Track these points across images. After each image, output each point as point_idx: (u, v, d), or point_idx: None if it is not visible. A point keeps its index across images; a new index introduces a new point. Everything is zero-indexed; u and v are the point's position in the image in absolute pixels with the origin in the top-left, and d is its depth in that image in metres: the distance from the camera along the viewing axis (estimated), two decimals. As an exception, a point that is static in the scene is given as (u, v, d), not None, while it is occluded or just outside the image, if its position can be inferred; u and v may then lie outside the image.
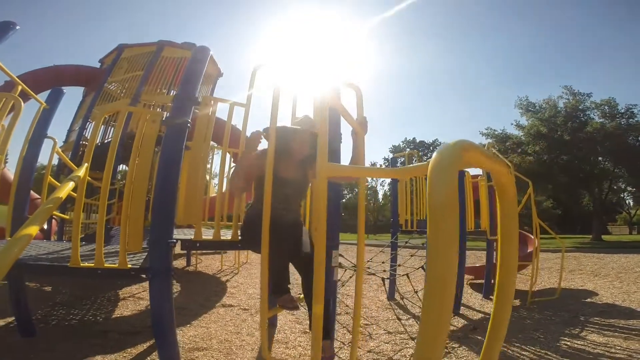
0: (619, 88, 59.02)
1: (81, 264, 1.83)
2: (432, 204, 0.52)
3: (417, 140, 42.57)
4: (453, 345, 2.92)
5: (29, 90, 2.20)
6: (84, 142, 5.82)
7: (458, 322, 3.69)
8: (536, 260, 4.90)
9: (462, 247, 4.43)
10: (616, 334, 3.15)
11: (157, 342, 1.89)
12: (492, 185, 3.16)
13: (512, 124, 19.90)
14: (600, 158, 17.13)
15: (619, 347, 2.79)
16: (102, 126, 6.17)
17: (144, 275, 1.93)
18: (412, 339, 3.07)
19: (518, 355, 2.69)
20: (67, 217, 4.43)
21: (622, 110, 16.80)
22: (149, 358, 2.49)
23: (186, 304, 4.13)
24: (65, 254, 2.28)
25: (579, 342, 2.93)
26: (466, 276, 6.22)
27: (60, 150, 2.78)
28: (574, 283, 5.95)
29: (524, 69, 76.40)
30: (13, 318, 2.86)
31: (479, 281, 5.73)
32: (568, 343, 2.93)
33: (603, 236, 19.04)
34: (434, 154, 0.58)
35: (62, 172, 5.45)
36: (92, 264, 1.86)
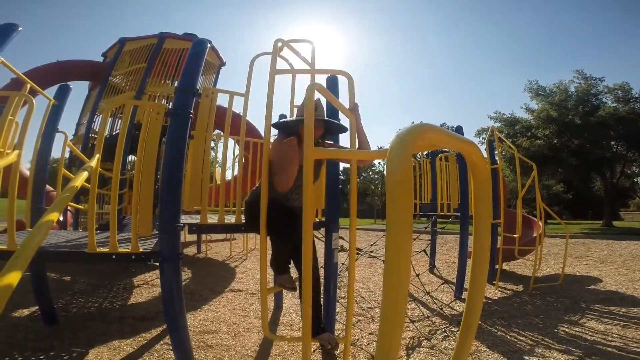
0: (634, 73, 57.07)
1: (97, 250, 1.94)
2: (388, 182, 0.57)
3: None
4: (452, 329, 3.01)
5: (38, 88, 2.28)
6: (93, 135, 5.97)
7: (460, 307, 3.77)
8: (540, 245, 4.88)
9: (464, 232, 4.43)
10: (615, 321, 3.17)
11: (168, 325, 2.01)
12: (495, 168, 3.19)
13: (521, 108, 19.53)
14: (612, 142, 16.76)
15: (615, 335, 2.81)
16: (110, 118, 6.30)
17: (153, 262, 2.03)
18: (412, 322, 3.16)
19: (515, 340, 2.76)
20: (82, 207, 4.60)
21: (637, 95, 16.36)
22: (162, 341, 2.67)
23: (196, 290, 4.32)
24: (82, 241, 2.41)
25: (577, 329, 2.97)
26: (470, 260, 6.29)
27: (71, 143, 2.88)
28: (579, 269, 5.94)
29: (535, 54, 74.27)
30: (37, 307, 3.04)
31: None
32: (566, 330, 2.97)
33: (614, 222, 18.81)
34: (394, 137, 0.63)
35: (73, 164, 5.63)
36: (107, 249, 1.97)
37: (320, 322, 2.06)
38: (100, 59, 7.46)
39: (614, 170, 18.04)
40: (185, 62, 2.10)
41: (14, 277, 1.01)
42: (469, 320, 0.85)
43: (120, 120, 6.40)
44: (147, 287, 4.37)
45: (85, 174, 1.75)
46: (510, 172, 18.94)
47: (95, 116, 6.06)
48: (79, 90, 7.39)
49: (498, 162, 5.09)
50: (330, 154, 1.82)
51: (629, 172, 20.52)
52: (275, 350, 2.55)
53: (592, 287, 4.67)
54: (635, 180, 25.98)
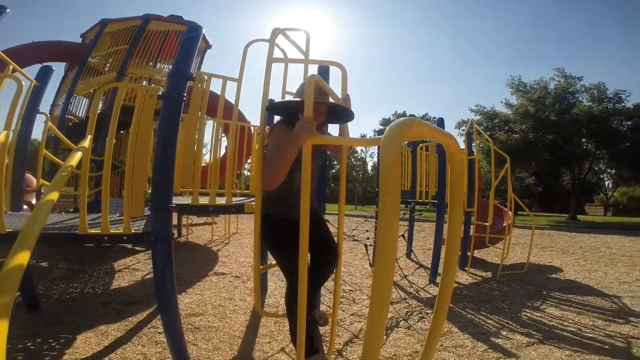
0: (613, 74, 59.47)
1: (89, 231, 1.95)
2: (382, 166, 0.69)
3: (407, 114, 42.73)
4: (427, 311, 3.24)
5: (20, 69, 2.22)
6: (69, 117, 5.77)
7: (434, 290, 4.02)
8: (509, 235, 5.19)
9: (440, 219, 4.66)
10: (571, 308, 3.46)
11: (160, 306, 2.06)
12: (472, 159, 3.39)
13: (501, 102, 20.19)
14: (583, 140, 17.66)
15: (571, 321, 3.08)
16: (87, 99, 6.10)
17: (146, 242, 2.06)
18: (391, 303, 3.37)
19: (483, 323, 3.01)
20: (75, 192, 4.49)
21: (611, 95, 17.26)
22: (150, 325, 2.70)
23: (179, 273, 4.31)
24: (69, 224, 2.40)
25: (537, 314, 3.25)
26: (444, 247, 6.62)
27: (52, 124, 2.81)
28: (543, 259, 6.37)
29: (520, 50, 75.70)
30: (17, 293, 2.98)
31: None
32: (528, 314, 3.24)
33: (579, 216, 19.98)
34: (387, 128, 0.74)
35: (48, 146, 5.45)
36: (99, 231, 1.99)
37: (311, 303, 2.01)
38: (79, 40, 7.14)
39: (582, 166, 19.07)
40: (180, 46, 2.09)
41: (24, 257, 1.05)
42: (442, 301, 0.98)
43: (100, 102, 6.21)
44: (128, 272, 4.35)
45: (79, 154, 1.76)
46: (487, 163, 19.70)
47: (72, 97, 5.84)
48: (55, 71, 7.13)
49: (475, 153, 5.31)
50: (327, 140, 1.81)
51: (596, 168, 21.77)
52: (263, 330, 2.68)
53: (553, 275, 5.03)
54: (601, 177, 27.58)
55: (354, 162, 38.20)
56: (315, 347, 1.67)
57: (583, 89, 17.64)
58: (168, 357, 2.17)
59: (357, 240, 3.98)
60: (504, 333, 2.75)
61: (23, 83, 1.97)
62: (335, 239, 1.95)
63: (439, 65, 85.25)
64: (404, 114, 42.66)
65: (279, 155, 1.53)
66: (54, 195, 1.40)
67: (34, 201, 4.12)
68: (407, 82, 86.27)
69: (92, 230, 2.01)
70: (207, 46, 7.48)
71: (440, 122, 5.40)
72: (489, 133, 18.68)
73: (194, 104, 2.45)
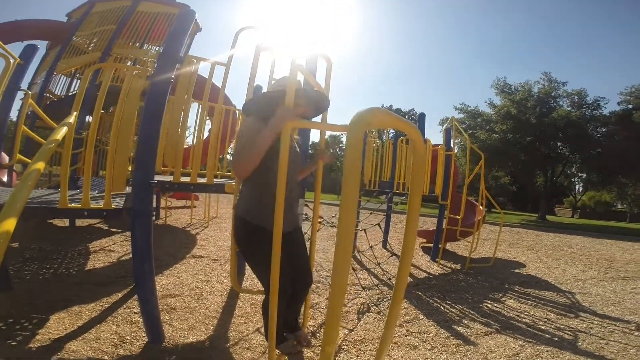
0: (603, 80, 61.36)
1: (69, 205, 1.96)
2: (347, 149, 0.79)
3: (394, 108, 43.25)
4: (396, 300, 3.42)
5: (5, 47, 2.15)
6: (47, 95, 5.58)
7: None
8: (478, 229, 5.45)
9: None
10: (529, 301, 3.70)
11: (137, 282, 2.11)
12: (449, 154, 3.57)
13: (485, 102, 20.73)
14: (559, 143, 18.42)
15: (527, 313, 3.31)
16: (68, 78, 5.90)
17: (113, 230, 2.10)
18: (364, 288, 3.56)
19: (448, 311, 3.21)
20: (53, 168, 4.38)
21: (590, 102, 18.01)
22: (124, 305, 2.72)
23: (157, 256, 4.23)
24: (48, 199, 2.39)
25: (498, 306, 3.48)
26: (419, 239, 6.90)
27: (33, 102, 2.74)
28: (509, 255, 6.72)
29: (509, 52, 76.93)
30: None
31: (430, 245, 6.26)
32: (489, 305, 3.47)
33: (548, 216, 20.98)
34: (352, 116, 0.83)
35: (24, 123, 5.24)
36: (80, 205, 2.00)
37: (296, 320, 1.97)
38: (64, 20, 6.85)
39: (554, 169, 19.94)
40: (172, 29, 2.11)
41: (10, 224, 1.08)
42: (399, 284, 1.09)
43: (77, 81, 6.02)
44: (104, 253, 4.31)
45: (64, 129, 1.77)
46: (469, 161, 20.31)
47: (52, 76, 5.64)
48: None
49: (452, 149, 5.51)
50: (305, 124, 1.87)
51: (568, 172, 22.78)
52: (239, 311, 2.77)
53: (516, 270, 5.34)
54: (573, 180, 28.84)
55: (339, 152, 38.36)
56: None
57: (565, 94, 18.33)
58: (143, 337, 2.22)
59: (334, 226, 4.12)
60: (466, 322, 2.95)
61: (11, 61, 1.93)
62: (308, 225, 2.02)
63: (427, 63, 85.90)
64: (390, 108, 43.07)
65: (256, 142, 1.49)
66: (40, 165, 1.42)
67: (4, 178, 3.98)
68: (395, 78, 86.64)
69: (72, 205, 2.02)
70: (198, 29, 7.32)
71: (422, 118, 5.56)
72: (470, 132, 19.21)
73: (181, 86, 2.45)
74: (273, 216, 1.26)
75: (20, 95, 3.00)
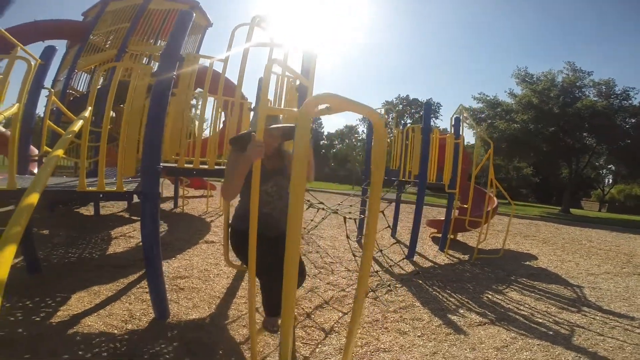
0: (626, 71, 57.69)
1: (87, 189, 2.20)
2: (298, 130, 0.88)
3: (411, 98, 42.37)
4: (397, 285, 3.51)
5: (26, 49, 2.36)
6: (70, 91, 5.91)
7: (409, 267, 4.29)
8: (487, 219, 5.37)
9: (421, 196, 4.86)
10: (532, 294, 3.64)
11: (145, 257, 2.30)
12: (458, 142, 3.60)
13: (505, 92, 20.02)
14: (585, 134, 17.63)
15: (527, 306, 3.27)
16: (87, 75, 6.22)
17: (134, 217, 2.29)
18: None
19: (445, 300, 3.26)
20: (75, 159, 4.68)
21: (619, 92, 17.10)
22: (138, 285, 2.96)
23: (172, 241, 4.59)
24: (71, 184, 2.63)
25: (498, 297, 3.46)
26: (430, 229, 6.88)
27: (55, 98, 2.98)
28: (523, 247, 6.57)
29: (530, 41, 73.20)
30: (20, 258, 3.16)
31: (441, 235, 6.21)
32: (489, 296, 3.46)
33: (572, 209, 20.22)
34: (303, 103, 0.93)
35: (50, 119, 5.59)
36: (96, 189, 2.23)
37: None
38: (80, 19, 7.19)
39: (580, 160, 19.13)
40: (172, 30, 2.24)
41: (34, 197, 1.28)
42: (364, 268, 1.19)
43: (97, 74, 6.38)
44: (124, 239, 4.58)
45: (80, 122, 1.96)
46: (485, 151, 19.75)
47: (74, 73, 5.97)
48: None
49: (460, 137, 5.44)
50: (280, 111, 2.07)
51: (597, 164, 21.79)
52: (241, 292, 2.94)
53: (527, 263, 5.23)
54: (600, 172, 27.60)
55: (355, 143, 38.14)
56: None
57: (591, 84, 17.46)
58: (151, 313, 2.43)
59: (335, 212, 4.22)
60: (462, 311, 2.99)
61: (32, 63, 2.13)
62: (314, 212, 2.14)
63: (445, 52, 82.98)
64: (407, 98, 42.28)
65: (233, 173, 1.78)
66: (60, 152, 1.67)
67: (35, 170, 4.31)
68: (413, 68, 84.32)
69: (90, 189, 2.24)
70: (208, 24, 7.46)
71: (427, 106, 5.53)
72: (489, 121, 18.68)
73: (183, 82, 2.60)
74: (263, 224, 1.60)
75: (45, 92, 3.25)
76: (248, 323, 1.95)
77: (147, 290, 2.82)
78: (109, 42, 6.18)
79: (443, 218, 6.74)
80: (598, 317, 3.10)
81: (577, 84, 17.61)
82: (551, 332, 2.70)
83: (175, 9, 6.35)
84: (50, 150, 3.47)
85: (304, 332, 2.32)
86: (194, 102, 4.64)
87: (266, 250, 1.71)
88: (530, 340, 2.52)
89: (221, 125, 5.23)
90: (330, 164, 43.41)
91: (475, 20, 76.80)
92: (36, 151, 3.90)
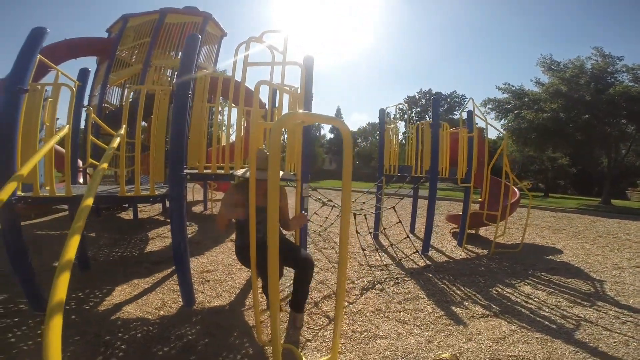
0: None
1: (126, 194, 2.64)
2: (271, 138, 1.14)
3: (434, 92, 41.49)
4: (405, 278, 3.67)
5: (66, 74, 2.80)
6: (105, 105, 6.50)
7: (421, 262, 4.40)
8: (501, 212, 5.27)
9: (433, 190, 4.93)
10: (546, 288, 3.56)
11: (174, 251, 2.66)
12: (472, 136, 3.77)
13: (531, 81, 19.11)
14: (623, 121, 16.49)
15: (536, 300, 3.22)
16: (119, 89, 6.80)
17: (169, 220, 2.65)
18: (370, 267, 3.90)
19: (452, 293, 3.36)
20: (116, 169, 5.22)
21: None
22: (170, 279, 3.38)
23: (201, 240, 5.05)
24: (113, 191, 3.06)
25: (508, 291, 3.45)
26: (451, 224, 6.86)
27: (95, 116, 3.44)
28: (549, 240, 6.33)
29: (553, 28, 68.74)
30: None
31: (469, 230, 6.11)
32: (499, 290, 3.47)
33: (613, 200, 18.96)
34: (277, 119, 1.19)
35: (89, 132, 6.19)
36: (133, 194, 2.64)
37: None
38: (104, 34, 7.84)
39: (619, 148, 17.91)
40: (182, 55, 2.57)
41: (90, 201, 1.64)
42: (341, 257, 1.41)
43: (128, 90, 6.94)
44: (159, 239, 5.10)
45: (119, 139, 2.37)
46: (513, 142, 19.00)
47: (107, 88, 6.57)
48: (87, 64, 7.99)
49: (474, 131, 5.42)
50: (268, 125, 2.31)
51: (643, 151, 20.21)
52: (260, 283, 3.23)
53: (549, 257, 5.07)
54: (648, 159, 25.50)
55: (391, 141, 37.93)
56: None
57: (625, 69, 16.30)
58: (180, 301, 2.80)
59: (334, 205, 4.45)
60: (466, 304, 3.06)
61: (74, 89, 2.56)
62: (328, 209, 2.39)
63: (467, 43, 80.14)
64: (429, 92, 41.55)
65: (225, 216, 2.39)
66: (105, 165, 2.08)
67: (80, 180, 4.90)
68: (435, 60, 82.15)
69: (128, 194, 2.68)
70: (223, 34, 7.83)
71: (435, 102, 5.57)
72: (516, 112, 17.95)
73: (199, 96, 2.94)
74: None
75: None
76: (254, 309, 2.26)
77: (177, 282, 3.20)
78: (134, 56, 6.69)
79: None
80: (611, 312, 3.00)
81: (609, 69, 16.51)
82: (554, 326, 2.68)
83: (190, 21, 6.77)
84: (95, 162, 4.02)
85: (309, 319, 2.57)
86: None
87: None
88: (529, 333, 2.53)
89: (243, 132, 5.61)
90: (355, 162, 43.41)
91: (497, 10, 73.40)
92: (81, 163, 4.45)
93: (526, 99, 17.92)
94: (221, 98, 5.67)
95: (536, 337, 2.47)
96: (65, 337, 2.24)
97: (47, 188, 2.55)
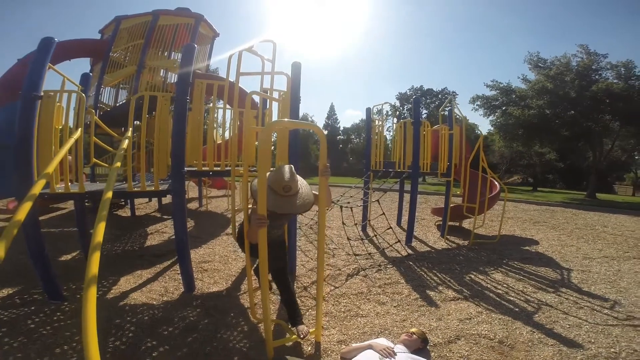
0: None
1: (133, 189, 2.92)
2: (260, 141, 1.46)
3: (425, 88, 42.06)
4: (387, 266, 3.99)
5: (72, 80, 3.06)
6: (100, 105, 6.66)
7: (404, 251, 4.72)
8: (486, 207, 5.63)
9: (414, 185, 5.24)
10: (517, 276, 3.80)
11: (176, 242, 2.94)
12: (452, 133, 4.15)
13: (518, 78, 19.64)
14: (608, 117, 17.03)
15: (505, 285, 3.48)
16: (113, 89, 6.94)
17: (165, 217, 2.92)
18: (356, 255, 4.24)
19: (429, 279, 3.68)
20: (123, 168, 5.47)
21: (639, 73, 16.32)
22: (171, 269, 3.66)
23: (199, 234, 5.35)
24: (121, 187, 3.27)
25: (480, 277, 3.72)
26: (436, 217, 7.20)
27: (97, 118, 3.68)
28: (528, 232, 6.61)
29: (542, 25, 69.50)
30: (78, 252, 3.95)
31: (453, 223, 6.51)
32: (472, 276, 3.74)
33: (599, 194, 19.55)
34: (265, 125, 1.52)
35: (87, 132, 6.27)
36: (139, 189, 2.92)
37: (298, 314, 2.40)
38: (97, 36, 7.90)
39: (602, 143, 18.48)
40: (180, 64, 2.83)
41: (110, 194, 1.93)
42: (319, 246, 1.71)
43: (122, 91, 7.05)
44: (158, 234, 5.38)
45: (127, 141, 2.66)
46: (500, 138, 19.48)
47: (102, 88, 6.70)
48: (82, 65, 8.11)
49: (454, 128, 5.74)
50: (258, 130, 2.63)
51: (628, 147, 20.77)
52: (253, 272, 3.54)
53: (525, 247, 5.33)
54: (633, 155, 26.15)
55: (376, 138, 38.38)
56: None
57: (609, 66, 16.84)
58: (181, 288, 3.09)
59: (333, 203, 4.73)
60: (440, 288, 3.36)
61: (84, 96, 2.82)
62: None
63: (459, 40, 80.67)
64: (420, 88, 42.27)
65: (251, 235, 2.17)
66: (118, 164, 2.35)
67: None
68: (427, 58, 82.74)
69: (135, 189, 2.97)
70: (215, 34, 7.97)
71: (416, 102, 5.89)
72: (504, 108, 18.42)
73: (196, 100, 3.24)
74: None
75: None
76: (248, 293, 2.59)
77: (178, 272, 3.49)
78: (127, 58, 6.78)
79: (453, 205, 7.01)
80: (572, 298, 3.21)
81: (593, 67, 17.01)
82: (517, 309, 2.90)
83: (183, 23, 6.84)
84: (97, 161, 4.25)
85: (299, 301, 2.87)
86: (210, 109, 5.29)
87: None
88: (493, 315, 2.76)
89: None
90: (348, 159, 43.75)
91: (484, 8, 73.93)
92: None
93: (513, 96, 18.41)
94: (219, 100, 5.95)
95: (499, 319, 2.70)
96: (79, 322, 2.50)
97: (61, 185, 2.81)
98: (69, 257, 3.99)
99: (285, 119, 2.12)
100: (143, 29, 6.62)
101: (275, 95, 3.15)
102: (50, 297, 2.73)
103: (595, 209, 12.11)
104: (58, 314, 2.53)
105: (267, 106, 3.24)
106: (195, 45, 2.93)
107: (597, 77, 16.95)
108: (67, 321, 2.42)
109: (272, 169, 2.33)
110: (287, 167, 2.00)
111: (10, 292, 2.89)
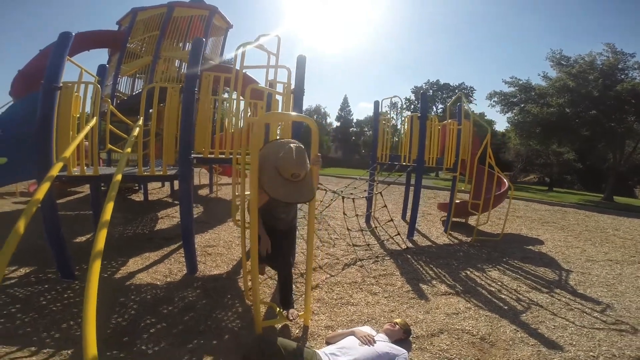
0: None
1: (143, 173, 3.11)
2: (252, 138, 1.58)
3: (441, 82, 41.22)
4: (385, 258, 4.10)
5: (89, 71, 3.25)
6: (117, 94, 6.92)
7: (404, 245, 4.80)
8: (491, 204, 5.63)
9: (419, 179, 5.30)
10: (513, 274, 3.80)
11: (182, 226, 3.13)
12: (460, 128, 4.26)
13: (538, 75, 18.97)
14: (633, 117, 16.36)
15: (499, 283, 3.48)
16: (130, 79, 7.19)
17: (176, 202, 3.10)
18: (355, 245, 4.34)
19: (424, 272, 3.75)
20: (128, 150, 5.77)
21: None
22: (177, 252, 3.85)
23: (207, 220, 5.56)
24: (132, 171, 3.45)
25: (476, 274, 3.73)
26: (442, 213, 7.21)
27: (113, 107, 3.89)
28: (535, 232, 6.53)
29: (566, 23, 66.23)
30: (91, 234, 4.11)
31: (457, 219, 6.52)
32: (468, 273, 3.75)
33: (616, 197, 18.95)
34: (258, 117, 1.64)
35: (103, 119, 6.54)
36: (149, 173, 3.12)
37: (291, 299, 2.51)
38: (115, 27, 8.12)
39: (624, 145, 17.80)
40: (189, 57, 2.98)
41: (119, 177, 2.11)
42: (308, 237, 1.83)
43: (139, 80, 7.28)
44: (168, 218, 5.63)
45: (138, 129, 2.86)
46: (516, 135, 19.01)
47: (118, 78, 6.95)
48: (99, 55, 8.26)
49: (462, 123, 5.71)
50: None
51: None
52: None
53: (529, 247, 5.28)
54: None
55: (386, 130, 38.00)
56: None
57: (636, 66, 16.07)
58: (184, 270, 3.28)
59: (333, 192, 4.83)
60: (434, 282, 3.42)
61: (99, 87, 3.01)
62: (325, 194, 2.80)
63: (478, 36, 77.97)
64: (437, 83, 41.46)
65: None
66: (128, 150, 2.56)
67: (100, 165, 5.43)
68: (445, 52, 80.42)
69: (145, 173, 3.16)
70: (229, 26, 8.08)
71: (423, 96, 5.90)
72: (522, 105, 17.92)
73: (204, 91, 3.40)
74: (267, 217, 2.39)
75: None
76: (243, 276, 2.78)
77: (183, 255, 3.68)
78: (144, 48, 6.99)
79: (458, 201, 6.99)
80: (564, 299, 3.18)
81: (619, 66, 16.30)
82: (506, 307, 2.92)
83: (197, 14, 6.98)
84: (114, 149, 4.50)
85: (294, 287, 3.02)
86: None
87: (277, 237, 2.39)
88: (481, 311, 2.79)
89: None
90: (360, 151, 43.55)
91: (511, 3, 71.05)
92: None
93: (532, 93, 17.89)
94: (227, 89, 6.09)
95: (486, 315, 2.74)
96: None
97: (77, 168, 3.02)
98: (83, 239, 4.24)
99: (277, 111, 2.29)
100: (158, 20, 6.81)
101: (280, 87, 3.27)
102: (63, 275, 2.93)
103: (611, 212, 11.76)
104: (69, 292, 2.73)
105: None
106: (203, 40, 3.05)
107: (622, 76, 16.26)
108: (75, 299, 2.61)
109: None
110: (295, 149, 1.87)
111: (27, 271, 3.10)
